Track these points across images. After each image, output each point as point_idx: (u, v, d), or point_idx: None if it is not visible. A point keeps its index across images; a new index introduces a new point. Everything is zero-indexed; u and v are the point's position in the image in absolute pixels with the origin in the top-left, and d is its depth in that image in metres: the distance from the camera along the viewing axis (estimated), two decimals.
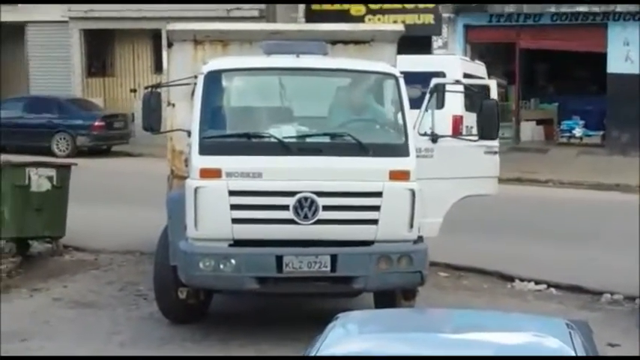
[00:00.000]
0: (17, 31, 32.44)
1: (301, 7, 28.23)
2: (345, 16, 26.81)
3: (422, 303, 10.47)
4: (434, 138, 11.30)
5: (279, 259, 9.46)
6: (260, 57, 10.29)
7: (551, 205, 18.88)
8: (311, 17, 27.32)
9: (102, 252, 14.16)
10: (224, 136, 9.86)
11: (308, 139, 9.84)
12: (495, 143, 11.74)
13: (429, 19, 27.60)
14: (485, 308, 10.86)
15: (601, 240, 15.02)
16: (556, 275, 12.84)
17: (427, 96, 11.57)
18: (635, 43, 25.79)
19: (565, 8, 26.30)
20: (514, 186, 21.45)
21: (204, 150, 9.54)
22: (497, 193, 12.31)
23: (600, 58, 26.35)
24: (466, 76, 17.13)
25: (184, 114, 10.55)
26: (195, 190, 9.44)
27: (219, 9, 28.05)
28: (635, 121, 25.38)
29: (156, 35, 29.41)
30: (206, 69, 9.95)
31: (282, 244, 9.50)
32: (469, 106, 17.06)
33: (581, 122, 27.97)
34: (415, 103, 10.96)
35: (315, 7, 28.22)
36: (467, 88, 13.09)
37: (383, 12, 27.68)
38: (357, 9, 27.95)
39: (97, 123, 27.32)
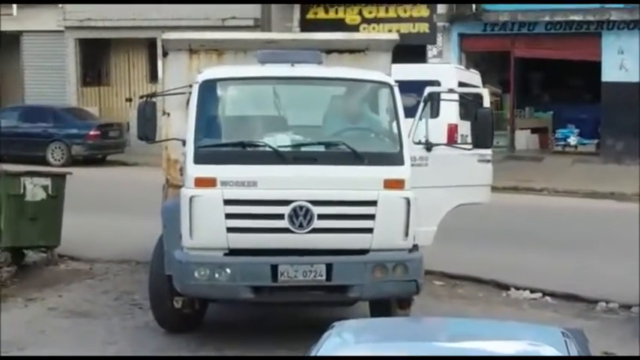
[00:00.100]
0: (13, 40, 32.44)
1: (296, 16, 28.29)
2: (339, 25, 26.87)
3: (417, 312, 10.47)
4: (428, 146, 11.34)
5: (274, 268, 9.46)
6: (255, 66, 10.31)
7: (546, 213, 18.90)
8: (306, 26, 27.37)
9: (97, 261, 14.14)
10: (219, 145, 9.86)
11: (303, 148, 9.85)
12: (489, 151, 11.78)
13: (423, 28, 27.65)
14: (480, 317, 10.86)
15: (596, 248, 15.04)
16: (551, 284, 12.85)
17: (421, 104, 11.60)
18: (629, 51, 25.85)
19: (559, 17, 26.36)
20: (509, 194, 21.50)
21: (199, 159, 9.55)
22: (490, 201, 12.37)
23: (595, 67, 26.40)
24: (461, 84, 17.15)
25: (179, 123, 10.56)
26: (190, 199, 9.44)
27: (214, 18, 28.11)
28: (629, 130, 25.42)
29: (151, 44, 29.45)
30: (201, 78, 9.96)
31: (278, 253, 9.50)
32: (464, 115, 17.08)
33: (576, 131, 28.02)
34: (410, 112, 10.99)
35: (309, 16, 28.28)
36: (461, 96, 13.11)
37: (378, 21, 27.73)
38: (351, 18, 28.00)
39: (92, 132, 27.34)
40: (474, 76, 20.72)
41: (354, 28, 27.06)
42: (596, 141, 27.47)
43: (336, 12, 28.19)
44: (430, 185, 10.74)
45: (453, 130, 17.61)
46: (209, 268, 9.44)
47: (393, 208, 9.55)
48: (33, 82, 32.71)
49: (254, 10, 28.07)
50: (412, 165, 9.88)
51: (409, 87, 11.34)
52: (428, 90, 11.91)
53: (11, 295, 12.32)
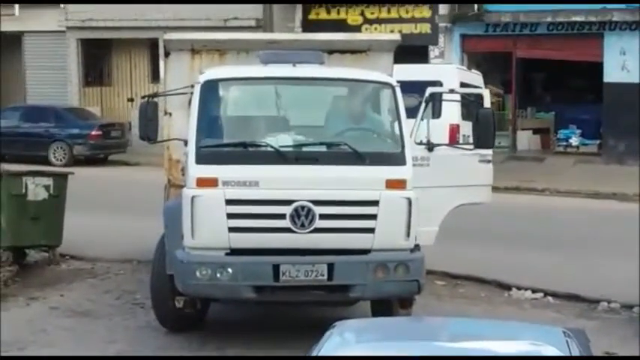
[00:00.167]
0: (14, 40, 32.48)
1: (298, 16, 28.30)
2: (341, 26, 26.89)
3: (419, 311, 10.47)
4: (430, 147, 11.35)
5: (275, 267, 9.46)
6: (257, 66, 10.31)
7: (547, 214, 18.91)
8: (308, 27, 27.38)
9: (99, 261, 14.15)
10: (221, 146, 9.86)
11: (305, 148, 9.85)
12: (489, 152, 11.80)
13: (425, 28, 27.65)
14: (482, 317, 10.86)
15: (598, 248, 15.04)
16: (553, 284, 12.85)
17: (423, 105, 11.61)
18: (631, 52, 25.86)
19: (561, 18, 26.37)
20: (511, 195, 21.52)
21: (201, 159, 9.55)
22: (491, 201, 12.39)
23: (596, 68, 26.41)
24: (463, 85, 17.15)
25: (181, 123, 10.56)
26: (192, 199, 9.44)
27: (216, 18, 28.12)
28: (631, 130, 25.44)
29: (153, 45, 29.48)
30: (203, 78, 9.96)
31: (279, 252, 9.50)
32: (466, 115, 17.08)
33: (578, 131, 28.03)
34: (412, 112, 11.00)
35: (311, 16, 28.29)
36: (462, 97, 13.12)
37: (379, 21, 27.74)
38: (353, 18, 28.01)
39: (94, 132, 27.34)
40: (475, 77, 20.71)
41: (356, 29, 27.07)
42: (597, 141, 27.48)
43: (338, 12, 28.20)
44: (431, 185, 10.75)
45: (454, 130, 17.60)
46: (211, 268, 9.44)
47: (394, 208, 9.55)
48: (35, 82, 32.75)
49: (256, 11, 28.11)
50: (414, 165, 9.88)
51: (411, 87, 11.35)
52: (429, 90, 11.92)
53: (13, 295, 12.33)
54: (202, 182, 9.48)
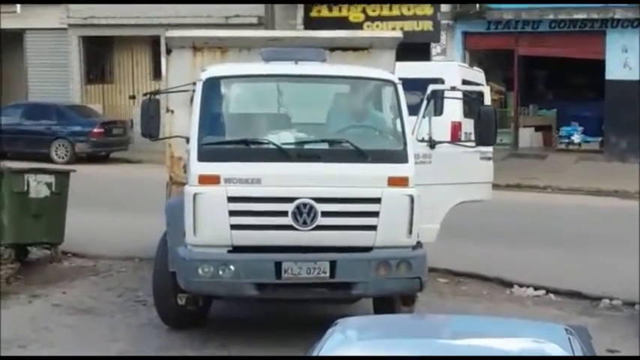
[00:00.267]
0: (16, 38, 32.48)
1: (300, 14, 28.29)
2: (343, 23, 26.85)
3: (421, 309, 10.47)
4: (432, 144, 11.34)
5: (278, 265, 9.46)
6: (258, 64, 10.30)
7: (549, 211, 18.90)
8: (309, 24, 27.36)
9: (101, 258, 14.16)
10: (223, 143, 9.86)
11: (307, 146, 9.84)
12: (490, 149, 11.80)
13: (427, 25, 27.63)
14: (484, 314, 10.86)
15: (600, 246, 15.04)
16: (555, 281, 12.85)
17: (424, 102, 11.60)
18: (633, 49, 25.84)
19: (563, 15, 26.35)
20: (513, 192, 21.52)
21: (203, 156, 9.55)
22: (491, 198, 12.39)
23: (599, 65, 26.39)
24: (465, 82, 17.13)
25: (183, 120, 10.56)
26: (194, 196, 9.45)
27: (218, 16, 28.10)
28: (633, 128, 25.43)
29: (154, 42, 29.48)
30: (205, 76, 9.96)
31: (281, 250, 9.50)
32: (467, 113, 17.07)
33: (580, 128, 28.02)
34: (414, 110, 10.99)
35: (313, 13, 28.27)
36: (464, 94, 13.11)
37: (381, 19, 27.71)
38: (355, 16, 27.99)
39: (95, 130, 27.35)
40: (477, 74, 20.68)
41: (358, 26, 27.05)
42: (599, 139, 27.47)
43: (340, 10, 28.18)
44: (433, 183, 10.75)
45: (456, 127, 17.57)
46: (213, 265, 9.45)
47: (396, 205, 9.55)
48: (36, 80, 32.75)
49: (258, 8, 28.09)
50: (416, 163, 9.88)
51: (413, 85, 11.34)
52: (431, 88, 11.92)
53: (15, 292, 12.33)
54: (204, 179, 9.48)
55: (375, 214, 9.54)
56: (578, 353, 5.24)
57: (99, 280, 13.10)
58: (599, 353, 6.26)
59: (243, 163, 9.56)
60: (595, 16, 26.05)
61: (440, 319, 6.97)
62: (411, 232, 9.62)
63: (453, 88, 12.80)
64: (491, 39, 27.67)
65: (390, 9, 27.73)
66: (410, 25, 27.06)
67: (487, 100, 12.04)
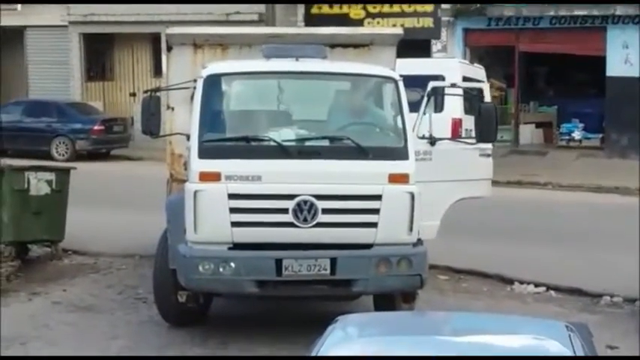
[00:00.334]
0: (16, 35, 32.47)
1: (300, 10, 28.28)
2: (344, 20, 26.85)
3: (421, 306, 10.47)
4: (432, 141, 11.34)
5: (278, 262, 9.46)
6: (259, 61, 10.30)
7: (550, 207, 18.90)
8: (310, 21, 27.36)
9: (101, 255, 14.15)
10: (223, 140, 9.85)
11: (307, 143, 9.84)
12: (489, 146, 11.79)
13: (428, 22, 27.62)
14: (484, 311, 10.86)
15: (600, 242, 15.04)
16: (555, 278, 12.84)
17: (425, 99, 11.60)
18: (634, 46, 25.82)
19: (564, 11, 26.33)
20: (513, 189, 21.53)
21: (204, 153, 9.54)
22: (491, 195, 12.39)
23: (599, 61, 26.37)
24: (466, 79, 17.12)
25: (183, 118, 10.56)
26: (195, 193, 9.44)
27: (219, 13, 28.09)
28: (634, 124, 25.41)
29: (155, 39, 29.47)
30: (205, 73, 9.95)
31: (282, 247, 9.50)
32: (468, 109, 17.07)
33: (581, 125, 27.99)
34: (415, 107, 10.98)
35: (314, 10, 28.26)
36: (465, 91, 13.11)
37: (382, 15, 27.71)
38: (356, 13, 27.97)
39: (96, 127, 27.34)
40: (478, 71, 20.65)
41: (359, 23, 27.03)
42: (600, 135, 27.45)
43: (341, 7, 28.16)
44: (433, 179, 10.74)
45: (457, 124, 17.56)
46: (213, 263, 9.44)
47: (397, 202, 9.55)
48: (37, 77, 32.75)
49: (258, 5, 28.09)
50: (416, 159, 9.87)
51: (413, 82, 11.32)
52: (431, 84, 11.92)
53: (15, 290, 12.33)
54: (205, 176, 9.48)
55: (376, 211, 9.53)
56: (579, 350, 5.23)
57: (99, 277, 13.10)
58: (600, 350, 6.25)
59: (243, 160, 9.56)
60: (596, 12, 26.04)
61: (440, 316, 6.96)
62: (411, 229, 9.62)
63: (453, 85, 12.80)
64: (491, 35, 27.66)
65: (391, 6, 27.72)
66: (410, 22, 27.06)
67: (487, 97, 12.03)
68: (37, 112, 27.75)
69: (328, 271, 9.50)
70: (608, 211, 18.50)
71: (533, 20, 26.95)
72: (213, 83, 9.93)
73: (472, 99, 13.01)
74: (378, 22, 27.44)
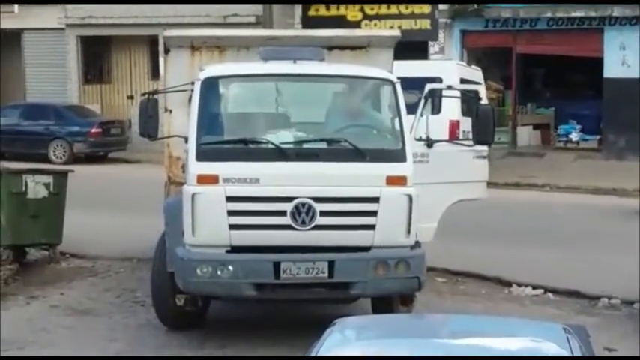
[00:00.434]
0: (14, 38, 32.46)
1: (297, 12, 28.28)
2: (341, 22, 26.85)
3: (420, 308, 10.48)
4: (429, 143, 11.34)
5: (276, 265, 9.46)
6: (257, 63, 10.30)
7: (548, 209, 18.90)
8: (307, 23, 27.35)
9: (99, 259, 14.15)
10: (221, 143, 9.86)
11: (305, 145, 9.84)
12: (485, 148, 11.80)
13: (425, 24, 27.63)
14: (482, 313, 10.86)
15: (598, 244, 15.04)
16: (553, 280, 12.85)
17: (422, 101, 11.60)
18: (631, 47, 25.84)
19: (561, 13, 26.35)
20: (511, 191, 21.54)
21: (201, 156, 9.54)
22: (486, 197, 12.40)
23: (596, 63, 26.39)
24: (463, 81, 17.12)
25: (181, 120, 10.55)
26: (193, 196, 9.44)
27: (216, 15, 28.10)
28: (631, 126, 25.42)
29: (152, 42, 29.47)
30: (203, 75, 9.95)
31: (280, 250, 9.50)
32: (466, 111, 17.08)
33: (578, 127, 28.01)
34: (412, 109, 10.99)
35: (311, 12, 28.27)
36: (462, 93, 13.11)
37: (379, 17, 27.72)
38: (353, 15, 27.99)
39: (93, 130, 27.33)
40: (475, 73, 20.66)
41: (356, 25, 27.04)
42: (598, 137, 27.47)
43: (338, 9, 28.18)
44: (431, 182, 10.74)
45: (454, 126, 17.57)
46: (211, 265, 9.44)
47: (395, 204, 9.55)
48: (34, 80, 32.73)
49: (256, 7, 28.09)
50: (414, 162, 9.87)
51: (411, 83, 11.33)
52: (429, 87, 11.92)
53: (13, 293, 12.32)
54: (203, 179, 9.47)
55: (374, 213, 9.53)
56: (577, 352, 5.23)
57: (97, 280, 13.09)
58: (597, 352, 6.25)
59: (241, 162, 9.56)
60: (593, 13, 26.06)
61: (438, 319, 6.96)
62: (409, 231, 9.62)
63: (450, 87, 12.79)
64: (489, 37, 27.67)
65: (388, 7, 27.73)
66: (408, 24, 27.07)
67: (483, 99, 12.04)
68: (34, 115, 27.73)
69: (326, 274, 9.50)
70: (605, 212, 18.50)
71: (531, 22, 26.97)
72: (210, 86, 9.93)
73: (469, 101, 13.01)
74: (376, 24, 27.45)
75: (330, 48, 10.95)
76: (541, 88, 30.46)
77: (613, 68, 26.12)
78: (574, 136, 27.95)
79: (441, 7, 27.42)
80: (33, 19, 31.66)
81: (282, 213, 9.42)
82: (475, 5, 27.08)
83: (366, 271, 9.54)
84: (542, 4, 26.14)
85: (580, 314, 11.55)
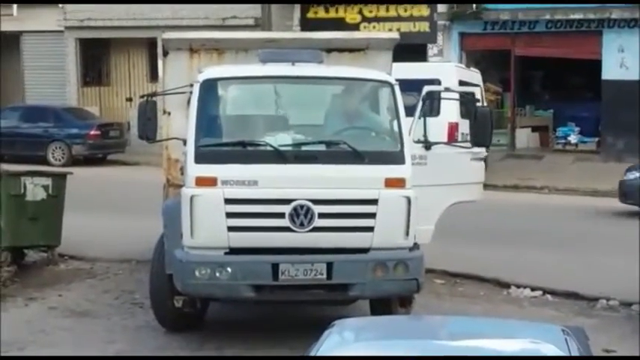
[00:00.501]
0: (13, 40, 32.45)
1: (296, 15, 28.30)
2: (340, 24, 26.87)
3: (418, 310, 10.47)
4: (427, 145, 11.35)
5: (274, 266, 9.46)
6: (255, 65, 10.30)
7: (546, 211, 18.90)
8: (306, 25, 27.37)
9: (98, 261, 14.14)
10: (220, 145, 9.86)
11: (304, 147, 9.84)
12: (481, 149, 11.82)
13: (424, 26, 27.64)
14: (481, 315, 10.86)
15: (597, 246, 15.05)
16: (552, 281, 12.85)
17: (420, 103, 11.61)
18: (629, 49, 25.86)
19: (560, 15, 26.37)
20: (510, 193, 21.55)
21: (200, 158, 9.54)
22: (482, 198, 12.42)
23: (595, 65, 26.41)
24: (462, 83, 17.19)
25: (180, 122, 10.56)
26: (191, 198, 9.44)
27: (215, 18, 28.13)
28: (630, 128, 25.43)
29: (151, 44, 29.44)
30: (202, 77, 9.95)
31: (278, 251, 9.50)
32: (464, 114, 17.11)
33: (577, 129, 28.03)
34: (411, 111, 11.00)
35: (310, 15, 28.28)
36: (461, 95, 13.12)
37: (378, 20, 27.73)
38: (352, 17, 28.00)
39: (92, 132, 27.33)
40: (474, 75, 20.76)
41: (355, 27, 27.06)
42: (596, 139, 27.48)
43: (337, 11, 28.19)
44: (428, 184, 10.75)
45: (453, 128, 17.63)
46: (210, 267, 9.44)
47: (393, 206, 9.55)
48: (33, 82, 32.72)
49: (254, 10, 28.10)
50: (412, 164, 9.87)
51: (410, 86, 11.34)
52: (426, 89, 11.93)
53: (11, 295, 12.32)
54: (201, 181, 9.48)
55: (372, 215, 9.54)
56: (575, 354, 5.24)
57: (96, 282, 13.09)
58: (596, 354, 6.26)
59: (240, 165, 9.56)
60: (591, 16, 26.08)
61: (437, 321, 6.97)
62: (408, 233, 9.62)
63: (447, 89, 12.80)
64: (487, 39, 27.68)
65: (387, 10, 27.75)
66: (406, 26, 27.08)
67: (479, 101, 12.07)
68: (33, 117, 27.73)
69: (324, 276, 9.50)
70: (604, 214, 18.51)
71: (529, 24, 26.98)
72: (209, 88, 9.93)
73: (468, 103, 13.03)
74: (374, 27, 27.46)
75: (329, 50, 10.96)
76: (540, 91, 30.48)
77: (612, 70, 26.13)
78: (573, 138, 27.96)
79: (440, 9, 27.44)
80: (32, 22, 31.66)
81: (281, 215, 9.42)
82: (474, 7, 27.09)
83: (364, 273, 9.54)
84: (542, 3, 26.11)
85: (578, 316, 11.56)
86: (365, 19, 27.89)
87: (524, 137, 28.72)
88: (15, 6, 31.80)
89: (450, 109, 16.29)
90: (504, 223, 16.88)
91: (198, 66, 10.96)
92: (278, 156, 9.57)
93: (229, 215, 9.42)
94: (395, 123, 9.90)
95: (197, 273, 9.44)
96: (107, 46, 31.91)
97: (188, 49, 11.38)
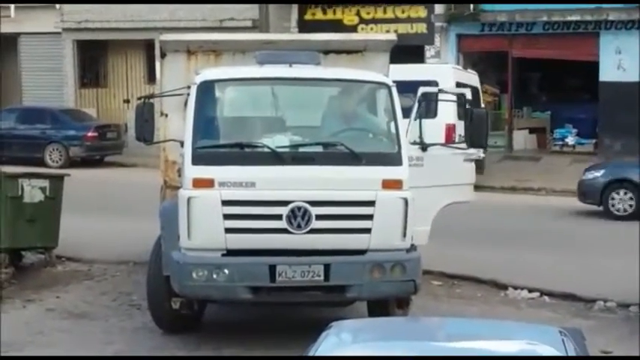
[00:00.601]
0: (10, 42, 32.44)
1: (294, 17, 28.31)
2: (337, 26, 26.88)
3: (416, 311, 10.48)
4: (424, 146, 11.37)
5: (272, 268, 9.46)
6: (253, 67, 10.31)
7: (544, 213, 18.92)
8: (304, 27, 27.39)
9: (95, 262, 14.14)
10: (217, 146, 9.86)
11: (301, 149, 9.85)
12: (474, 151, 11.84)
13: (421, 28, 27.66)
14: (478, 316, 10.87)
15: (594, 247, 15.06)
16: (549, 283, 12.86)
17: (416, 105, 11.63)
18: (627, 51, 25.87)
19: (557, 17, 26.38)
20: (507, 194, 21.55)
21: (197, 160, 9.55)
22: (474, 199, 12.44)
23: (592, 67, 26.42)
24: (459, 85, 17.18)
25: (177, 124, 10.56)
26: (188, 200, 9.44)
27: (212, 19, 28.13)
28: (627, 129, 25.43)
29: (149, 46, 29.46)
30: (199, 79, 9.96)
31: (276, 253, 9.50)
32: (462, 115, 17.12)
33: (574, 130, 28.03)
34: (408, 113, 11.02)
35: (307, 17, 28.30)
36: (458, 97, 13.13)
37: (375, 21, 27.74)
38: (349, 19, 28.02)
39: (89, 134, 27.32)
40: (471, 77, 20.74)
41: (352, 29, 27.07)
42: (594, 141, 27.47)
43: (334, 13, 28.20)
44: (424, 185, 10.77)
45: (451, 129, 17.62)
46: (207, 269, 9.44)
47: (390, 208, 9.56)
48: (31, 84, 32.71)
49: (252, 11, 28.09)
50: (409, 165, 9.88)
51: (407, 87, 11.35)
52: (421, 90, 11.95)
53: (9, 297, 12.31)
54: (198, 183, 9.48)
55: (370, 217, 9.54)
56: (572, 355, 5.24)
57: (93, 284, 13.09)
58: (593, 355, 6.26)
59: (237, 166, 9.56)
60: (589, 17, 26.09)
61: (434, 322, 6.97)
62: (405, 234, 9.63)
63: (441, 91, 12.80)
64: (485, 41, 27.69)
65: (384, 11, 27.77)
66: (404, 28, 27.09)
67: (469, 101, 12.10)
68: (30, 118, 27.72)
69: (322, 277, 9.51)
70: (601, 216, 18.51)
71: (527, 26, 27.00)
72: (206, 90, 9.94)
73: (464, 105, 13.04)
74: (372, 28, 27.47)
75: (327, 52, 10.96)
76: (537, 92, 30.48)
77: (609, 72, 26.15)
78: (570, 140, 27.96)
79: (437, 11, 27.45)
80: (29, 24, 31.65)
81: (278, 216, 9.43)
82: (471, 9, 27.11)
83: (361, 275, 9.54)
84: (539, 3, 26.12)
85: (576, 317, 11.57)
86: (362, 20, 27.91)
87: (522, 139, 28.72)
88: (12, 7, 31.80)
89: (448, 111, 16.28)
90: (502, 224, 16.89)
91: (195, 68, 10.96)
92: (275, 157, 9.57)
93: (227, 217, 9.42)
94: (392, 124, 9.91)
95: (194, 274, 9.44)
96: (105, 47, 31.91)
97: (185, 50, 11.38)
